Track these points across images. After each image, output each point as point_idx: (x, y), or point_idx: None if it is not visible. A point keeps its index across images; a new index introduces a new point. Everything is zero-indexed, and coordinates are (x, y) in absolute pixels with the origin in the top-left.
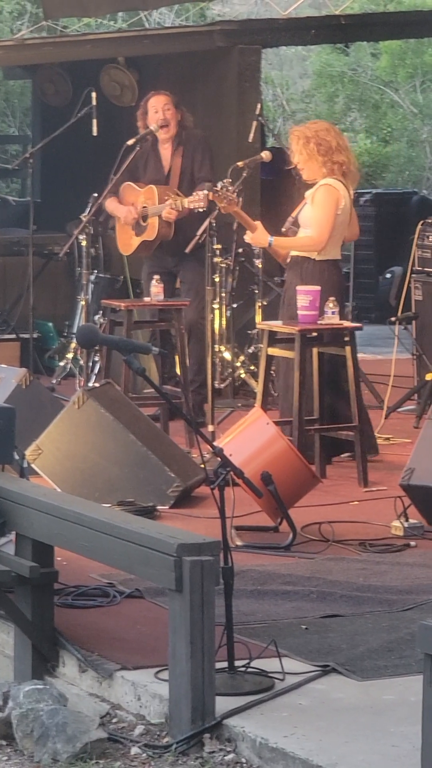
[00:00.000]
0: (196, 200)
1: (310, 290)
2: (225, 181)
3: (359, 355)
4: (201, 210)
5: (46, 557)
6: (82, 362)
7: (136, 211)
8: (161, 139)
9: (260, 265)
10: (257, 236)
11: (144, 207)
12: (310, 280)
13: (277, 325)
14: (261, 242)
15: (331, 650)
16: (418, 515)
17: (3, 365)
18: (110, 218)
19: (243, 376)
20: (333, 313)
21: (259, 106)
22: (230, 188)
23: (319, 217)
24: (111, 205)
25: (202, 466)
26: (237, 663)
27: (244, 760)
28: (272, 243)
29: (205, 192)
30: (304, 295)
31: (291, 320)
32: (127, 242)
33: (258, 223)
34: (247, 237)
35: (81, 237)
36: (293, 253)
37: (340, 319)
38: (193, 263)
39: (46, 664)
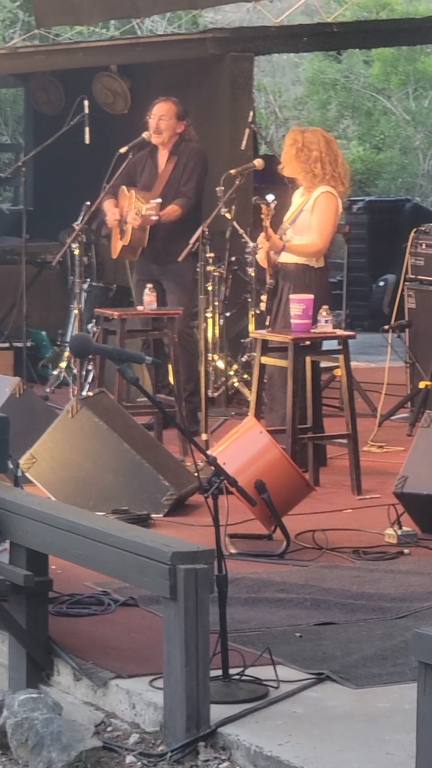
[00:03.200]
0: (150, 208)
1: (303, 299)
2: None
3: (352, 364)
4: (155, 218)
5: (40, 566)
6: (75, 371)
7: (119, 214)
8: (158, 146)
9: (253, 274)
10: (273, 244)
11: (127, 212)
12: (315, 289)
13: (270, 333)
14: (276, 247)
15: (325, 658)
16: (412, 523)
17: None
18: (103, 226)
19: (236, 384)
20: (326, 321)
21: (251, 113)
22: (275, 201)
23: (323, 225)
24: (106, 206)
25: (196, 474)
26: (231, 671)
27: None
28: (285, 248)
29: (158, 200)
30: (297, 304)
31: (284, 329)
32: (114, 246)
33: (271, 230)
34: (264, 244)
35: (74, 245)
36: (287, 260)
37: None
38: (174, 273)
39: (40, 672)
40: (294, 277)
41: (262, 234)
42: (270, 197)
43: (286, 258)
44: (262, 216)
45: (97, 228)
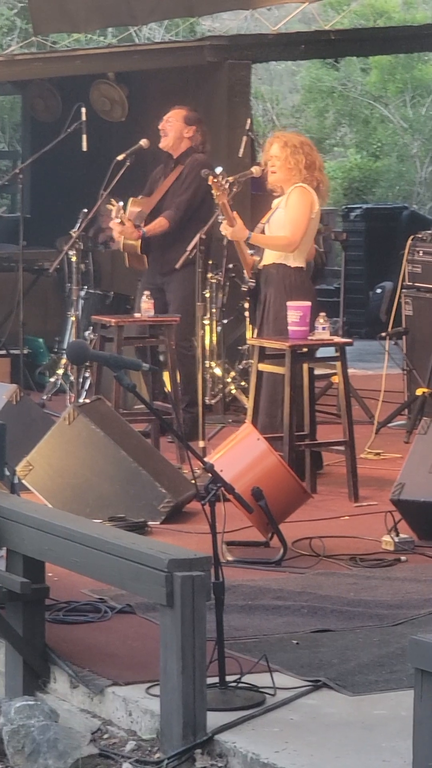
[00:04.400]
0: (114, 209)
1: (300, 306)
2: (222, 173)
3: (350, 371)
4: (117, 221)
5: (37, 573)
6: (72, 378)
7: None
8: (171, 153)
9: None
10: (237, 230)
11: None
12: (296, 291)
13: (267, 340)
14: (240, 236)
15: (322, 665)
16: (409, 530)
17: None
18: (99, 233)
19: (233, 391)
20: (323, 328)
21: (249, 121)
22: (227, 178)
23: (294, 217)
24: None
25: (193, 481)
26: (228, 678)
27: None
28: (250, 237)
29: (120, 203)
30: (295, 311)
31: (281, 336)
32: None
33: (236, 216)
34: (226, 230)
35: (71, 252)
36: (266, 262)
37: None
38: (177, 284)
39: (37, 680)
40: (275, 281)
41: (225, 222)
42: (219, 169)
43: (265, 260)
44: (214, 192)
45: (94, 235)
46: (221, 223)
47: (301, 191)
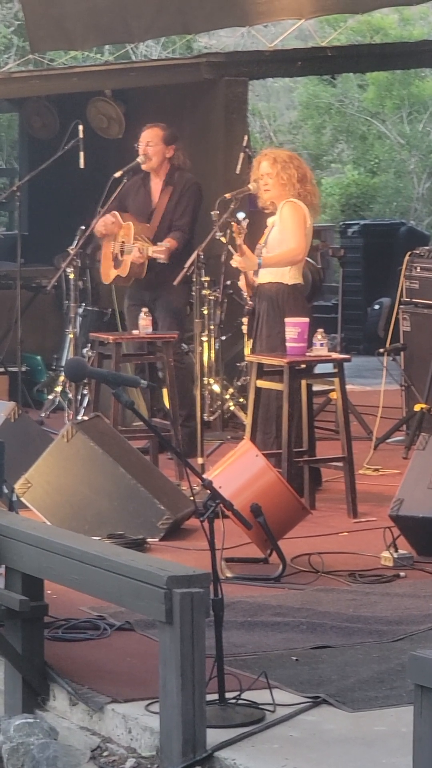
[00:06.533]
0: (159, 251)
1: (298, 322)
2: (241, 218)
3: (348, 387)
4: (162, 261)
5: (35, 590)
6: (70, 395)
7: (114, 239)
8: (150, 173)
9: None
10: (247, 260)
11: (122, 242)
12: (291, 307)
13: (265, 357)
14: (251, 265)
15: (321, 681)
16: (408, 546)
17: None
18: (98, 251)
19: (232, 408)
20: (321, 344)
21: (246, 137)
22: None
23: (293, 229)
24: (106, 217)
25: (192, 498)
26: (228, 695)
27: None
28: (261, 264)
29: (167, 246)
30: (293, 327)
31: (274, 352)
32: (106, 272)
33: (245, 248)
34: (235, 261)
35: (69, 270)
36: (262, 280)
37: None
38: (165, 299)
39: (36, 697)
40: (269, 297)
41: (236, 254)
42: (241, 215)
43: (262, 278)
44: (234, 235)
45: (92, 252)
46: (218, 238)
47: (292, 206)
